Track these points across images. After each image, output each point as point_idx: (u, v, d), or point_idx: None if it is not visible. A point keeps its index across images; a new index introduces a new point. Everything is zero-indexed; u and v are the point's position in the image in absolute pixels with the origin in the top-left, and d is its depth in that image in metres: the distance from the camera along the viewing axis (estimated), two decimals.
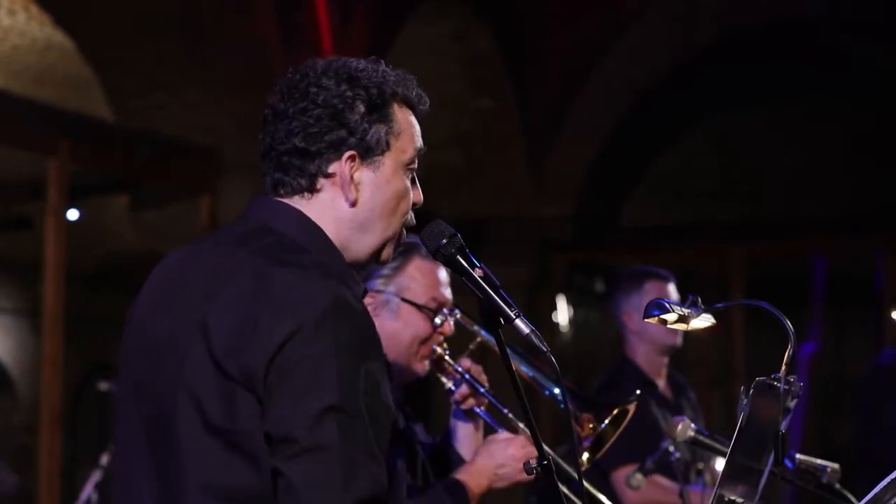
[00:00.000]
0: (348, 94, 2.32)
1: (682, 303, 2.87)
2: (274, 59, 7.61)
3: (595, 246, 11.05)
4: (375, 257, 2.42)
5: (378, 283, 3.24)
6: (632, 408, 3.36)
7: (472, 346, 3.39)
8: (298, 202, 2.33)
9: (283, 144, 2.32)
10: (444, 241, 2.42)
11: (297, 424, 2.11)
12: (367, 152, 2.33)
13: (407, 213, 2.41)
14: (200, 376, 2.17)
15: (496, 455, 3.15)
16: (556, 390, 3.27)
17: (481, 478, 3.15)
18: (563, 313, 10.93)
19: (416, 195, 2.43)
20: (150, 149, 8.03)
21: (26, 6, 9.14)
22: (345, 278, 2.25)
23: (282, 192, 2.34)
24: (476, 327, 3.38)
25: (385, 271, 3.24)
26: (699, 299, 2.86)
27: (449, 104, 10.01)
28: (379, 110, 2.34)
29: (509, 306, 2.38)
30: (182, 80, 8.10)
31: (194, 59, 7.97)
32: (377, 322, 3.20)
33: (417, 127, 2.42)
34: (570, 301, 11.00)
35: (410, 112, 2.41)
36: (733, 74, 10.91)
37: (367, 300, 3.20)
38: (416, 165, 2.42)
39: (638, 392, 3.47)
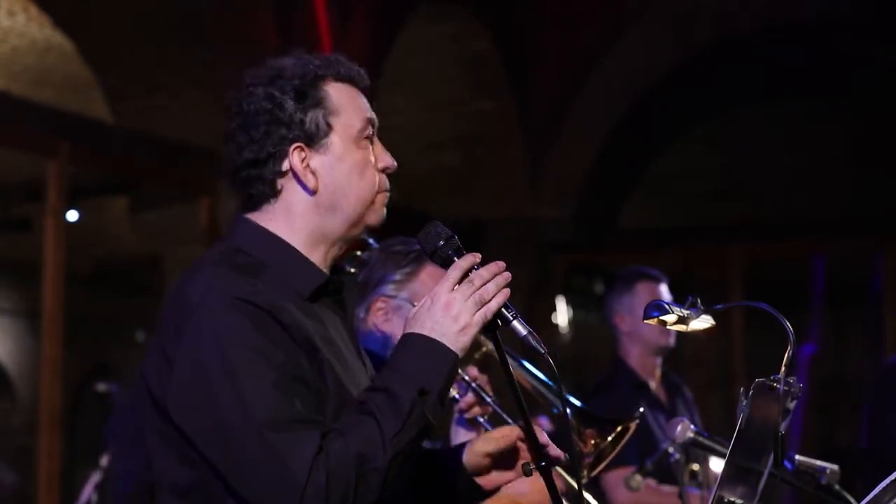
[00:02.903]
0: (275, 92, 2.41)
1: (681, 304, 2.87)
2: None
3: (594, 247, 11.03)
4: (358, 227, 2.47)
5: (390, 289, 3.23)
6: (633, 426, 3.36)
7: (477, 356, 3.38)
8: (265, 210, 2.44)
9: (237, 162, 2.42)
10: (442, 242, 2.43)
11: None
12: (311, 139, 2.42)
13: (376, 179, 2.46)
14: (144, 406, 2.40)
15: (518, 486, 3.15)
16: (565, 409, 3.27)
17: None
18: (562, 315, 10.92)
19: (384, 160, 2.48)
20: (149, 150, 8.03)
21: (26, 7, 9.14)
22: (239, 283, 2.31)
23: (251, 206, 2.45)
24: (482, 336, 3.38)
25: (397, 277, 3.24)
26: (699, 300, 2.86)
27: (448, 105, 10.01)
28: (308, 96, 2.42)
29: (507, 308, 2.38)
30: (181, 82, 8.10)
31: (194, 60, 7.97)
32: (388, 327, 3.21)
33: (361, 98, 2.48)
34: (569, 302, 10.98)
35: (350, 86, 2.47)
36: (733, 75, 10.91)
37: (378, 305, 3.20)
38: (371, 132, 2.47)
39: (641, 410, 3.46)
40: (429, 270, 3.24)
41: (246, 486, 2.23)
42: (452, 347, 2.31)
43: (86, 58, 8.44)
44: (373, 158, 2.46)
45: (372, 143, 2.47)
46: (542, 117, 10.30)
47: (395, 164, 2.49)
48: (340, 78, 2.45)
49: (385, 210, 2.49)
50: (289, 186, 2.42)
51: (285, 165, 2.40)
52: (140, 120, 8.19)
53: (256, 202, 2.44)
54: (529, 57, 10.16)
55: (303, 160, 2.40)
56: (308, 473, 2.17)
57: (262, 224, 2.43)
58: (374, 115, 2.49)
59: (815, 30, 10.37)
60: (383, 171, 2.47)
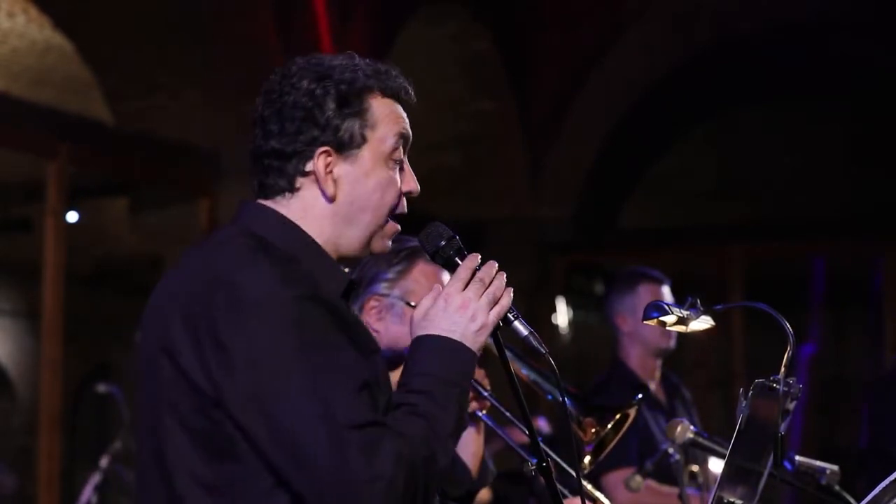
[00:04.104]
0: (318, 91, 2.36)
1: (681, 304, 2.87)
2: (274, 60, 7.60)
3: (594, 247, 11.04)
4: (367, 249, 2.44)
5: (383, 287, 3.22)
6: (633, 412, 3.35)
7: None
8: (280, 203, 2.39)
9: (262, 148, 2.39)
10: (443, 242, 2.44)
11: None
12: (342, 147, 2.37)
13: (395, 203, 2.43)
14: (176, 393, 2.27)
15: None
16: (560, 395, 3.25)
17: None
18: (562, 315, 10.91)
19: (408, 184, 2.45)
20: (149, 151, 8.03)
21: (25, 8, 9.14)
22: (296, 278, 2.27)
23: (265, 194, 2.41)
24: None
25: (390, 275, 3.23)
26: (698, 301, 2.86)
27: (448, 106, 10.01)
28: (350, 104, 2.38)
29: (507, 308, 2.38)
30: (181, 83, 8.10)
31: (194, 61, 7.97)
32: (381, 325, 3.20)
33: (401, 116, 2.44)
34: (569, 303, 10.98)
35: (393, 102, 2.43)
36: (733, 75, 10.91)
37: (371, 304, 3.20)
38: (401, 155, 2.44)
39: (639, 396, 3.46)
40: (421, 268, 3.24)
41: (319, 489, 2.18)
42: (472, 347, 2.33)
43: (85, 58, 8.43)
44: (398, 179, 2.43)
45: (402, 164, 2.44)
46: (542, 117, 10.30)
47: (419, 188, 2.46)
48: (387, 92, 2.42)
49: (390, 242, 2.47)
50: (307, 188, 2.38)
51: (309, 166, 2.37)
52: (140, 120, 8.19)
53: (271, 192, 2.40)
54: (529, 57, 10.17)
55: (327, 166, 2.37)
56: (392, 474, 2.16)
57: (285, 215, 2.38)
58: (409, 135, 2.45)
59: (815, 30, 10.37)
60: (407, 194, 2.45)
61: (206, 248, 2.39)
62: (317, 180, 2.37)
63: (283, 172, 2.38)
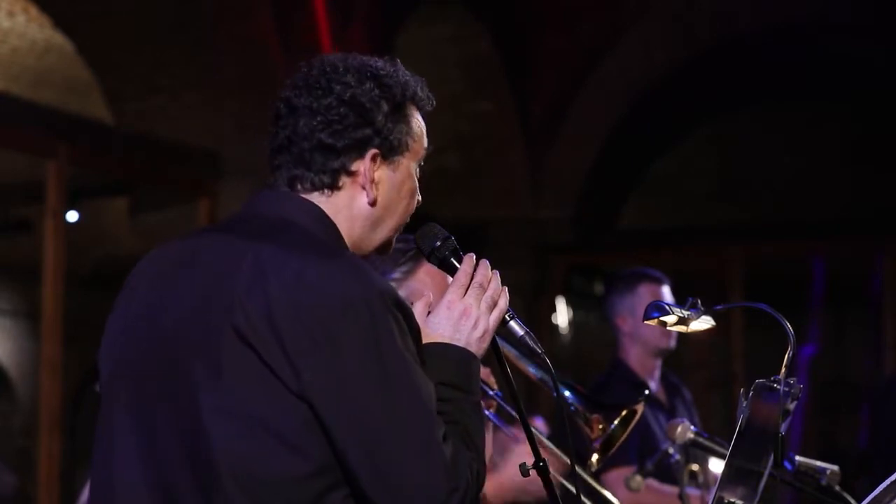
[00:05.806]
0: (375, 92, 2.32)
1: (681, 305, 2.86)
2: (273, 61, 7.61)
3: (594, 248, 11.03)
4: (380, 251, 2.42)
5: None
6: (640, 408, 3.35)
7: None
8: (317, 198, 2.33)
9: (306, 140, 2.30)
10: (438, 243, 2.44)
11: None
12: (390, 152, 2.34)
13: (413, 211, 2.43)
14: (243, 372, 2.16)
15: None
16: (566, 392, 3.25)
17: (505, 491, 3.12)
18: (562, 315, 10.92)
19: (419, 196, 2.45)
20: (149, 151, 8.03)
21: (26, 8, 9.15)
22: (377, 276, 2.26)
23: (300, 187, 2.33)
24: None
25: (395, 275, 3.22)
26: (699, 301, 2.86)
27: (448, 107, 10.01)
28: (400, 111, 2.35)
29: None
30: (181, 83, 8.11)
31: (193, 61, 7.97)
32: None
33: (425, 128, 2.43)
34: (569, 303, 10.99)
35: (420, 113, 2.41)
36: (733, 76, 10.91)
37: None
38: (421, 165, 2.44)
39: (647, 393, 3.46)
40: (426, 269, 3.22)
41: (399, 495, 2.15)
42: (477, 354, 2.33)
43: (86, 59, 8.44)
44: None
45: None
46: (542, 117, 10.30)
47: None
48: (419, 102, 2.40)
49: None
50: (348, 187, 2.32)
51: (356, 166, 2.31)
52: (140, 121, 8.20)
53: (309, 187, 2.32)
54: (529, 57, 10.17)
55: (373, 169, 2.32)
56: (466, 486, 2.16)
57: (326, 211, 2.32)
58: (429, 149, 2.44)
59: (814, 31, 10.37)
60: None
61: (259, 232, 2.26)
62: (360, 182, 2.32)
63: (326, 168, 2.31)
